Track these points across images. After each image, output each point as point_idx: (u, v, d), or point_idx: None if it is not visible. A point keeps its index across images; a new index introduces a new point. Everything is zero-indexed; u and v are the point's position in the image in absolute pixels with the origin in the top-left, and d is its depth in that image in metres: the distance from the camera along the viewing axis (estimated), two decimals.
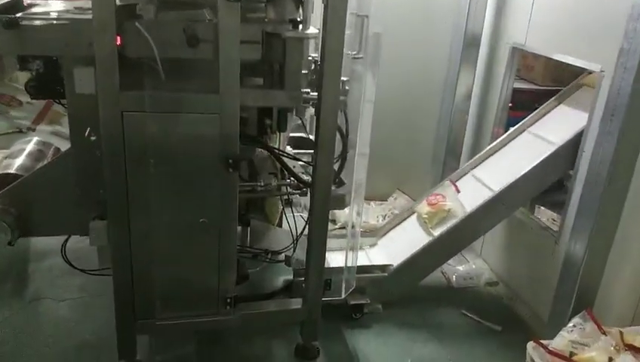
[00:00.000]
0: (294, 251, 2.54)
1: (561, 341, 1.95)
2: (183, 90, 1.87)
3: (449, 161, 3.61)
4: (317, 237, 2.22)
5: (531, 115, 3.00)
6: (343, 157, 2.33)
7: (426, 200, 3.03)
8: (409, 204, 3.67)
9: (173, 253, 2.03)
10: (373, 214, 3.68)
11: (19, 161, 2.16)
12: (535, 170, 2.64)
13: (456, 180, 3.13)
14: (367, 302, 2.66)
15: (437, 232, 2.82)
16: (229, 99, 1.88)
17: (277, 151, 2.25)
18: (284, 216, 2.75)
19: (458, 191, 3.02)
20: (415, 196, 3.79)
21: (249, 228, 2.44)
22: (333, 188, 2.30)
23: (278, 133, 2.39)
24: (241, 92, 1.95)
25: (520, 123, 3.02)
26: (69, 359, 2.24)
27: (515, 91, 3.19)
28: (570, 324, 2.05)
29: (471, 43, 3.39)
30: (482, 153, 3.11)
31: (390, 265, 2.73)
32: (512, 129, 3.05)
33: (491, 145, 3.09)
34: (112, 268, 2.00)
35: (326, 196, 2.16)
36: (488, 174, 2.98)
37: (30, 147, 2.34)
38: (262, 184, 2.19)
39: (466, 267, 3.12)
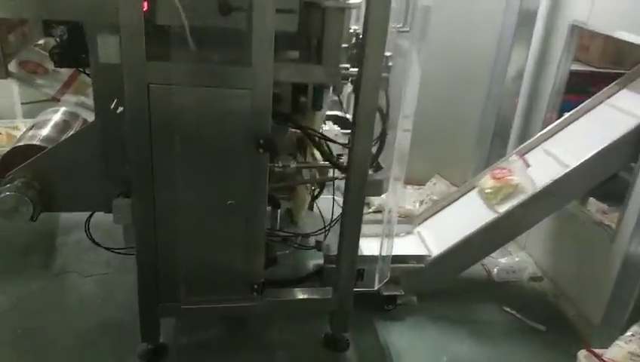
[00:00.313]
0: (326, 237, 2.41)
1: (618, 352, 1.77)
2: (213, 63, 1.74)
3: (495, 147, 3.40)
4: (350, 226, 2.08)
5: (589, 100, 2.75)
6: (382, 139, 2.16)
7: (490, 173, 2.79)
8: (448, 190, 3.50)
9: (199, 235, 1.93)
10: (409, 199, 3.51)
11: (44, 132, 2.08)
12: (613, 147, 2.37)
13: (525, 153, 2.85)
14: (401, 294, 2.51)
15: (502, 209, 2.57)
16: (261, 73, 1.73)
17: (311, 131, 2.09)
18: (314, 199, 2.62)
19: (527, 166, 2.74)
20: (456, 182, 3.61)
21: (279, 210, 2.31)
22: (370, 172, 2.15)
23: (312, 112, 2.24)
24: (274, 66, 1.81)
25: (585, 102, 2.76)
26: (91, 338, 2.18)
27: (569, 74, 2.93)
28: (629, 333, 1.86)
29: (525, 20, 3.14)
30: (554, 125, 2.82)
31: (427, 255, 2.57)
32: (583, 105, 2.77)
33: (564, 117, 2.81)
34: (136, 248, 1.92)
35: (362, 182, 2.01)
36: (562, 148, 2.69)
37: (56, 117, 2.26)
38: (279, 165, 2.04)
39: (508, 260, 2.93)
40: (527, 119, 3.22)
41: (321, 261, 2.52)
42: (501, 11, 3.27)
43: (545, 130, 2.86)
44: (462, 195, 2.95)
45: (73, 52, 1.83)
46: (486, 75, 3.42)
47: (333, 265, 2.29)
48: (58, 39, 1.81)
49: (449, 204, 2.96)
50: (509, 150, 3.31)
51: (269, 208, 2.24)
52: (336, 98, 2.47)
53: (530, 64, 3.16)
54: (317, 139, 2.07)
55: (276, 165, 2.06)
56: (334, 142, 2.18)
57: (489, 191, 2.71)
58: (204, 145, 1.80)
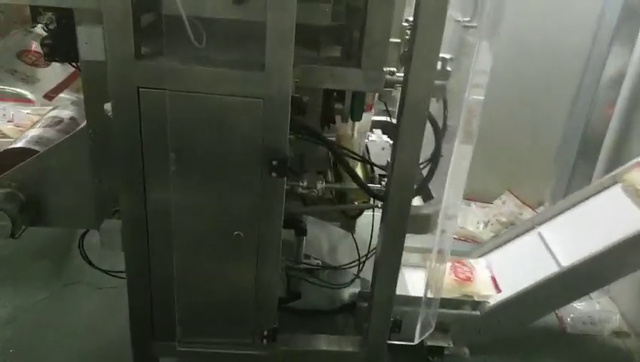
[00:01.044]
0: (361, 268, 2.02)
1: None
2: (219, 64, 1.39)
3: (581, 163, 2.86)
4: (386, 270, 1.69)
5: None
6: (435, 161, 1.75)
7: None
8: (519, 211, 3.00)
9: (198, 270, 1.61)
10: (472, 219, 3.04)
11: (33, 132, 1.82)
12: None
13: None
14: (450, 345, 2.09)
15: None
16: (277, 79, 1.37)
17: (339, 149, 1.70)
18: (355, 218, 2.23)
19: None
20: (530, 201, 3.09)
21: (304, 238, 1.96)
22: (416, 202, 1.74)
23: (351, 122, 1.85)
24: (299, 69, 1.44)
25: None
26: None
27: None
28: None
29: (630, 14, 2.57)
30: None
31: (486, 301, 2.12)
32: None
33: None
34: (127, 279, 1.63)
35: (402, 216, 1.60)
36: None
37: (64, 114, 2.01)
38: (304, 185, 1.67)
39: (587, 306, 2.41)
40: (625, 133, 2.65)
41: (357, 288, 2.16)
42: (598, 3, 2.71)
43: None
44: (531, 228, 2.44)
45: (64, 44, 1.54)
46: (574, 78, 2.87)
47: (366, 303, 1.92)
48: (46, 28, 1.53)
49: (524, 233, 2.43)
50: (597, 168, 2.77)
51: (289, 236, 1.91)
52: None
53: (634, 68, 2.59)
54: (347, 159, 1.67)
55: (300, 185, 1.70)
56: (370, 163, 1.79)
57: None
58: (205, 164, 1.46)
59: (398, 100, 1.72)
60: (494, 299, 2.14)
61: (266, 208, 1.52)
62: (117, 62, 1.35)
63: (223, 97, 1.39)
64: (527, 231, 2.42)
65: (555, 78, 2.91)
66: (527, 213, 3.02)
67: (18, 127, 2.31)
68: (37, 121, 1.99)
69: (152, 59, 1.37)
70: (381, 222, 1.67)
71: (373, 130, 2.18)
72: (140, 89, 1.38)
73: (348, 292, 2.37)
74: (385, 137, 2.17)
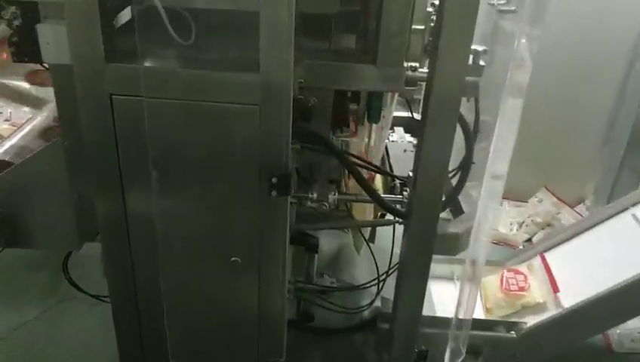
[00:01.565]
0: (380, 288, 1.80)
1: None
2: (205, 65, 1.16)
3: (630, 158, 2.56)
4: (409, 293, 1.46)
5: None
6: (465, 169, 1.50)
7: None
8: (557, 210, 2.72)
9: (190, 299, 1.41)
10: (505, 219, 2.77)
11: (12, 141, 1.63)
12: None
13: None
14: None
15: None
16: (275, 81, 1.13)
17: (350, 161, 1.45)
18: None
19: None
20: (569, 199, 2.81)
21: (316, 255, 1.74)
22: (444, 217, 1.50)
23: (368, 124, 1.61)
24: (302, 67, 1.21)
25: None
26: None
27: None
28: None
29: None
30: None
31: (524, 322, 1.87)
32: None
33: None
34: (112, 306, 1.45)
35: (428, 236, 1.37)
36: None
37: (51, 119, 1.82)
38: (313, 197, 1.44)
39: (635, 323, 2.14)
40: None
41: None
42: None
43: None
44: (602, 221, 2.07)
45: (31, 43, 1.33)
46: (621, 66, 2.55)
47: (387, 325, 1.71)
48: (8, 24, 1.32)
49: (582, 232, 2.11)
50: None
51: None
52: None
53: None
54: (358, 170, 1.42)
55: (309, 196, 1.48)
56: (389, 174, 1.55)
57: None
58: (192, 184, 1.25)
59: (422, 95, 1.49)
60: (549, 304, 1.89)
61: (267, 231, 1.31)
62: (83, 66, 1.14)
63: (212, 105, 1.17)
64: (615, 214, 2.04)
65: (596, 67, 2.59)
66: (566, 213, 2.75)
67: (14, 126, 2.14)
68: (19, 127, 1.80)
69: (125, 61, 1.15)
70: (403, 243, 1.44)
71: (394, 128, 1.94)
72: (113, 96, 1.16)
73: (366, 300, 2.16)
74: (408, 136, 1.93)
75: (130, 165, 1.23)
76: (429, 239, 1.38)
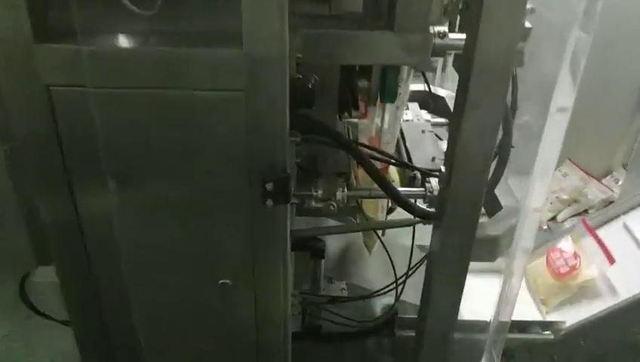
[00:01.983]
0: (398, 296, 1.54)
1: None
2: (173, 42, 0.87)
3: None
4: (442, 305, 1.21)
5: None
6: (504, 157, 1.22)
7: None
8: (584, 185, 2.46)
9: (170, 333, 1.15)
10: None
11: None
12: None
13: None
14: None
15: None
16: (264, 57, 0.85)
17: (360, 152, 1.17)
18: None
19: None
20: (595, 172, 2.55)
21: (322, 261, 1.48)
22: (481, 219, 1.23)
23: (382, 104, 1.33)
24: (300, 37, 0.93)
25: None
26: None
27: None
28: None
29: None
30: None
31: (562, 321, 1.63)
32: None
33: None
34: (74, 333, 1.19)
35: (465, 241, 1.11)
36: None
37: None
38: (317, 194, 1.18)
39: None
40: None
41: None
42: None
43: None
44: None
45: None
46: None
47: (410, 333, 1.47)
48: None
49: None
50: None
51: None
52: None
53: None
54: (371, 163, 1.14)
55: (313, 194, 1.21)
56: (408, 166, 1.27)
57: None
58: (163, 195, 0.97)
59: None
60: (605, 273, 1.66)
61: (261, 247, 1.04)
62: (6, 48, 0.84)
63: (183, 93, 0.88)
64: None
65: (625, 27, 2.29)
66: (593, 187, 2.49)
67: None
68: None
69: (64, 41, 0.86)
70: (430, 248, 1.18)
71: (408, 104, 1.65)
72: (52, 88, 0.87)
73: (380, 305, 1.92)
74: (424, 114, 1.65)
75: (81, 166, 0.95)
76: (466, 245, 1.11)
